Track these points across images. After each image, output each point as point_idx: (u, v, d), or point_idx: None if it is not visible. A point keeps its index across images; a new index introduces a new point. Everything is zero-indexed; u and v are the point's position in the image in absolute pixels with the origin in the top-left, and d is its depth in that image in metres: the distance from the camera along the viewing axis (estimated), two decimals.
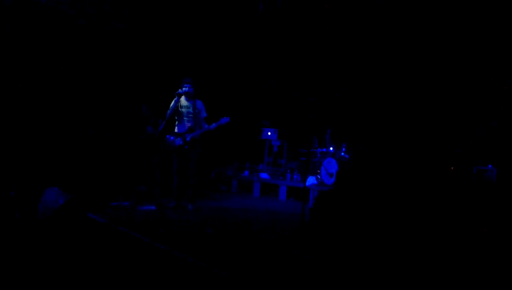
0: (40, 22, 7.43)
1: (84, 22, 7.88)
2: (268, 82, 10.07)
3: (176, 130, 6.21)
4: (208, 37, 9.64)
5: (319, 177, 8.17)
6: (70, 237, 3.33)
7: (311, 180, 8.21)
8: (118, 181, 8.45)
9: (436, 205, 1.69)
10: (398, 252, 1.61)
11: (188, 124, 6.18)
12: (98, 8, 7.74)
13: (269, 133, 10.05)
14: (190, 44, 9.72)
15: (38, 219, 3.46)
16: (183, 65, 9.12)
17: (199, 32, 9.56)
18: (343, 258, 1.69)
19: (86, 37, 8.12)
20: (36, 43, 7.53)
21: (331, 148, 8.37)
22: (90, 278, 2.94)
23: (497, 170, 6.01)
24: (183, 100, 6.17)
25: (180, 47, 9.64)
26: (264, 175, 9.79)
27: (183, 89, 6.10)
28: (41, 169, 4.52)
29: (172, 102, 6.16)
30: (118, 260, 3.52)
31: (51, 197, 3.57)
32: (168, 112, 6.14)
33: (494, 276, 1.61)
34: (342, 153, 8.10)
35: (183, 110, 6.19)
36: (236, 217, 6.02)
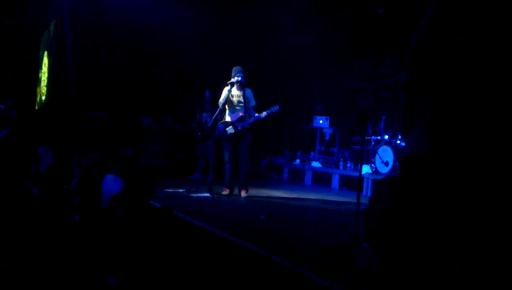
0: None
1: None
2: (320, 68, 9.92)
3: (227, 119, 6.27)
4: (260, 25, 9.65)
5: (373, 166, 7.99)
6: (131, 223, 3.44)
7: (365, 169, 8.05)
8: (174, 169, 8.70)
9: None
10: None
11: (240, 113, 6.22)
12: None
13: (321, 121, 9.91)
14: (243, 33, 9.77)
15: (102, 208, 3.60)
16: (236, 54, 9.18)
17: (251, 21, 9.59)
18: (411, 253, 1.62)
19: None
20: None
21: (386, 136, 8.14)
22: (150, 262, 3.05)
23: None
24: (234, 89, 6.21)
25: (234, 37, 9.74)
26: (315, 164, 9.70)
27: (236, 78, 6.13)
28: (101, 158, 4.72)
29: (225, 91, 6.20)
30: (176, 245, 3.62)
31: (109, 185, 3.70)
32: (222, 101, 6.19)
33: None
34: (398, 141, 7.85)
35: (235, 99, 6.23)
36: (289, 204, 6.02)
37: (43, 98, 10.24)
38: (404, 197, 1.63)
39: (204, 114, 8.25)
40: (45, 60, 10.30)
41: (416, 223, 1.56)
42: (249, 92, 6.32)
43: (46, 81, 10.20)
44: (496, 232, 1.45)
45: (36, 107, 10.06)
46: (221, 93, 6.27)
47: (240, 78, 6.12)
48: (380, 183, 2.17)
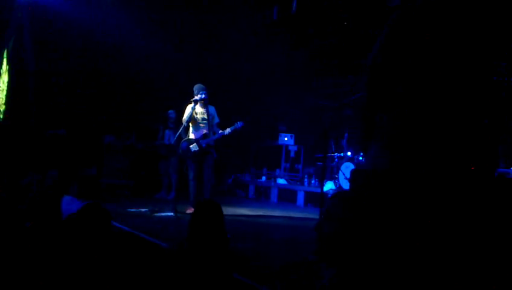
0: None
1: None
2: (285, 86, 10.05)
3: (191, 137, 6.24)
4: (223, 43, 9.72)
5: (337, 182, 8.10)
6: (90, 243, 3.32)
7: (329, 185, 8.15)
8: (137, 188, 8.53)
9: (461, 207, 1.64)
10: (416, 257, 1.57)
11: (203, 131, 6.21)
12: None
13: (286, 139, 10.01)
14: (205, 50, 9.81)
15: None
16: (199, 71, 9.18)
17: (214, 38, 9.66)
18: (360, 262, 1.65)
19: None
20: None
21: (349, 153, 8.29)
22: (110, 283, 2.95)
23: None
24: (198, 107, 6.20)
25: (197, 54, 9.76)
26: (281, 181, 9.74)
27: (199, 96, 6.12)
28: (60, 177, 4.58)
29: (189, 108, 6.18)
30: (138, 266, 3.53)
31: (67, 207, 3.56)
32: (186, 118, 6.16)
33: None
34: (360, 158, 8.01)
35: (198, 116, 6.22)
36: (254, 222, 6.01)
37: (1, 116, 9.89)
38: (355, 209, 1.66)
39: (167, 131, 8.20)
40: (3, 78, 10.00)
41: (365, 234, 1.59)
42: (212, 109, 6.33)
43: (4, 99, 9.88)
44: (445, 239, 1.50)
45: None
46: (184, 111, 6.25)
47: (203, 96, 6.13)
48: (332, 198, 2.20)
